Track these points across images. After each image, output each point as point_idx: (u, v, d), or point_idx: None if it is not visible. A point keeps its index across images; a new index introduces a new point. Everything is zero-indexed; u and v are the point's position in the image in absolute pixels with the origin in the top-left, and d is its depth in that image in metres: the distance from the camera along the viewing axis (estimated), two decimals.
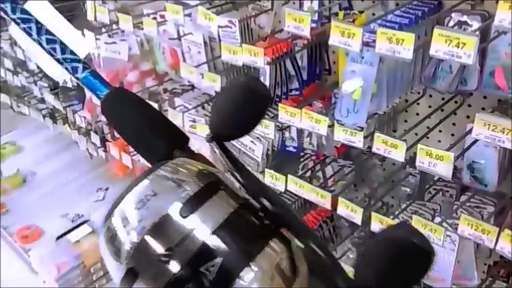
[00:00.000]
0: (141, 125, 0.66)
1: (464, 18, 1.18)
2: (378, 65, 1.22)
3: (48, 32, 0.71)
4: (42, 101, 2.93)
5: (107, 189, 3.06)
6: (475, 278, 1.44)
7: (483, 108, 1.35)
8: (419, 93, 1.47)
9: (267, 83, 1.55)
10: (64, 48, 0.70)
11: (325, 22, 1.46)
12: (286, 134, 1.68)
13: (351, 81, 1.25)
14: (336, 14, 1.40)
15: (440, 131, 1.47)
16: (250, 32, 1.68)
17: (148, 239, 0.49)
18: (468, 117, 1.40)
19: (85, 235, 2.58)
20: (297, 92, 1.62)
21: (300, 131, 1.64)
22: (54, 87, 2.70)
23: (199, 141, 1.54)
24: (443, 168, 1.14)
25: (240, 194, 0.54)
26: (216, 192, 0.52)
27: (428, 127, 1.45)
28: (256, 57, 1.41)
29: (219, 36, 1.57)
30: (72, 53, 0.71)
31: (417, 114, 1.53)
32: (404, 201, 1.56)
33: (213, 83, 1.64)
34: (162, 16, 1.82)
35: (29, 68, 2.83)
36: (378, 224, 1.40)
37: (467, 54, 0.98)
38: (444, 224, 1.31)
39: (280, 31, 1.60)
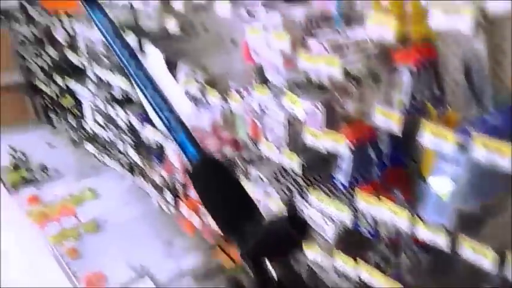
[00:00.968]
0: (224, 202, 0.72)
1: None
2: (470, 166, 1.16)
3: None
4: (124, 154, 3.08)
5: (173, 244, 3.10)
6: None
7: None
8: None
9: (346, 167, 1.53)
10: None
11: (412, 112, 1.43)
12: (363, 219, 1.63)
13: (440, 179, 1.20)
14: (425, 105, 1.37)
15: None
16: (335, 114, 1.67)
17: None
18: None
19: None
20: (378, 178, 1.58)
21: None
22: (137, 144, 2.84)
23: None
24: None
25: None
26: None
27: None
28: (338, 144, 1.40)
29: None
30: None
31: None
32: None
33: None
34: (246, 89, 1.88)
35: (118, 123, 3.01)
36: None
37: None
38: None
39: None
